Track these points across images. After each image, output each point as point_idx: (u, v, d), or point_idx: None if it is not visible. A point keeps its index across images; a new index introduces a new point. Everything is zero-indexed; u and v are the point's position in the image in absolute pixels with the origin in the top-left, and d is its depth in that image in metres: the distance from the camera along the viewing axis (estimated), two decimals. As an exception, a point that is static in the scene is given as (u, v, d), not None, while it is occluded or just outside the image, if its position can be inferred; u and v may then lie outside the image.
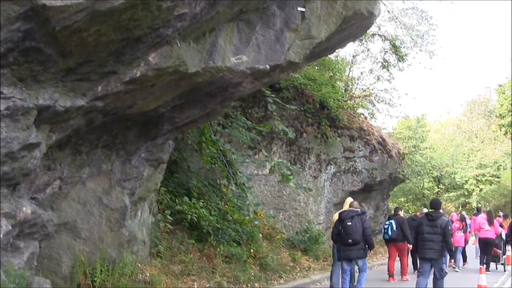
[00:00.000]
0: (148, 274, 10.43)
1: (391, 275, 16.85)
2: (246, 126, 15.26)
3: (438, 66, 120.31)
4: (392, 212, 20.35)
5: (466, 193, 69.14)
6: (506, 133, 76.21)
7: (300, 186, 15.99)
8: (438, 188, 65.54)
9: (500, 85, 76.31)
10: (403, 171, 25.37)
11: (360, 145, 21.51)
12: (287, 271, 15.23)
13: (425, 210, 22.24)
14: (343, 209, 13.52)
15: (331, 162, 20.45)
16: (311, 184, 19.29)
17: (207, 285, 11.73)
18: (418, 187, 60.70)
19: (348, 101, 22.74)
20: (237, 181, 14.68)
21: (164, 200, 12.79)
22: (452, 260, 19.62)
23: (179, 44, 7.74)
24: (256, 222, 15.70)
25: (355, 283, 12.87)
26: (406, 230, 16.59)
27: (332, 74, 21.86)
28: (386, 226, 17.23)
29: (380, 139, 22.68)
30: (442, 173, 63.86)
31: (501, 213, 25.53)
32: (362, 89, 24.95)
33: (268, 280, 13.85)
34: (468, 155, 71.16)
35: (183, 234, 12.85)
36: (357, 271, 12.84)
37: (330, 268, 16.96)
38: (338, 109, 20.06)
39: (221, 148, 14.19)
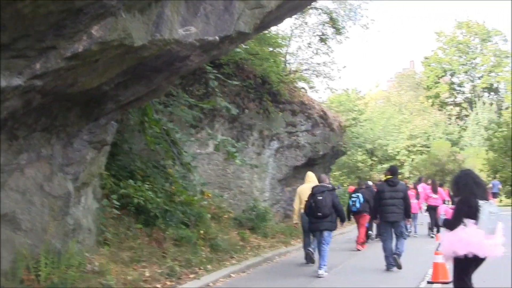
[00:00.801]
0: (96, 264, 9.80)
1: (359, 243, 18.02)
2: (188, 103, 14.69)
3: (371, 40, 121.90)
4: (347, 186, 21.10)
5: (399, 164, 70.36)
6: (433, 104, 78.00)
7: (246, 163, 15.55)
8: (371, 160, 66.42)
9: (427, 58, 77.81)
10: (345, 144, 25.36)
11: (302, 119, 21.13)
12: (237, 250, 14.80)
13: (370, 183, 22.41)
14: (305, 183, 14.93)
15: (274, 138, 20.04)
16: (254, 160, 18.84)
17: (159, 271, 11.18)
18: (352, 161, 61.36)
19: (289, 75, 22.32)
20: (182, 161, 14.11)
21: (107, 184, 12.11)
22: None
23: (123, 16, 7.10)
24: (205, 202, 15.23)
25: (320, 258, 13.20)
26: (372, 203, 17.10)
27: (272, 49, 21.42)
28: (354, 199, 17.88)
29: (322, 113, 22.35)
30: (375, 146, 64.77)
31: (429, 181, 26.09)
32: (301, 63, 24.59)
33: (220, 261, 13.38)
34: (398, 127, 72.37)
35: (129, 219, 12.21)
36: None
37: (280, 245, 16.94)
38: (279, 84, 19.63)
39: (165, 128, 13.58)
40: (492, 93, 77.09)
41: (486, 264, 7.70)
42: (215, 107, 16.56)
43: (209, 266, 12.61)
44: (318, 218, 13.06)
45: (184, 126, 16.09)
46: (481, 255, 7.33)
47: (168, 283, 10.89)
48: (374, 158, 67.35)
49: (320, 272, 12.72)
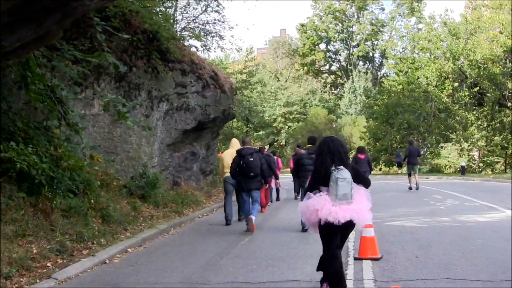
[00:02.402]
0: (-25, 240, 8.28)
1: (262, 206, 18.45)
2: (74, 58, 13.03)
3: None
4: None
5: (275, 131, 70.75)
6: (308, 72, 78.79)
7: (139, 125, 14.12)
8: (247, 127, 66.15)
9: (303, 25, 78.12)
10: (235, 108, 24.35)
11: (192, 80, 19.73)
12: (130, 222, 13.47)
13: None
14: (230, 148, 16.43)
15: (163, 99, 18.57)
16: (142, 123, 17.37)
17: (48, 247, 9.77)
18: (227, 127, 60.73)
19: (179, 32, 20.80)
20: (69, 121, 12.51)
21: (-16, 147, 10.42)
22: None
23: None
24: (97, 168, 13.77)
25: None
26: (274, 167, 17.92)
27: (162, 2, 19.83)
28: None
29: (213, 73, 21.10)
30: (251, 112, 64.47)
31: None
32: (188, 21, 23.13)
33: (113, 234, 12.06)
34: (275, 93, 72.46)
35: (11, 187, 10.56)
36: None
37: (173, 215, 15.85)
38: (169, 40, 18.12)
39: (49, 84, 11.93)
40: (367, 62, 78.70)
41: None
42: (101, 64, 15.09)
43: (102, 240, 11.33)
44: (249, 178, 14.17)
45: (68, 83, 14.40)
46: (333, 221, 7.34)
47: (60, 260, 9.57)
48: (250, 125, 67.08)
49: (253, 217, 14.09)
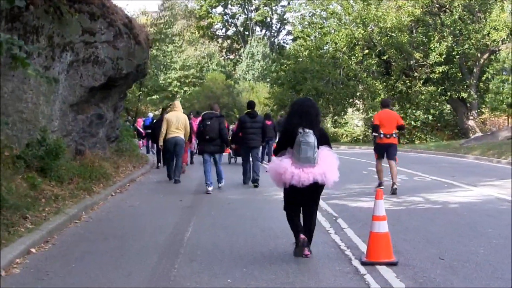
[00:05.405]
0: None
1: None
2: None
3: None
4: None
5: (171, 95, 67.81)
6: (203, 35, 75.98)
7: (42, 75, 10.51)
8: (140, 91, 62.33)
9: (202, -16, 75.04)
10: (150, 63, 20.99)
11: (102, 27, 15.91)
12: (30, 206, 9.77)
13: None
14: (173, 111, 17.38)
15: (67, 48, 14.72)
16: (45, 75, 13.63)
17: None
18: (117, 91, 56.71)
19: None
20: None
21: None
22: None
23: None
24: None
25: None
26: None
27: None
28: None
29: (126, 20, 17.40)
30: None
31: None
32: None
33: (9, 226, 8.42)
34: (171, 56, 69.25)
35: None
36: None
37: (82, 194, 12.47)
38: (77, -27, 14.41)
39: None
40: (265, 27, 77.07)
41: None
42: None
43: (-6, 238, 7.78)
44: (206, 141, 14.89)
45: None
46: (296, 184, 7.38)
47: None
48: (143, 89, 63.20)
49: (220, 185, 15.46)
